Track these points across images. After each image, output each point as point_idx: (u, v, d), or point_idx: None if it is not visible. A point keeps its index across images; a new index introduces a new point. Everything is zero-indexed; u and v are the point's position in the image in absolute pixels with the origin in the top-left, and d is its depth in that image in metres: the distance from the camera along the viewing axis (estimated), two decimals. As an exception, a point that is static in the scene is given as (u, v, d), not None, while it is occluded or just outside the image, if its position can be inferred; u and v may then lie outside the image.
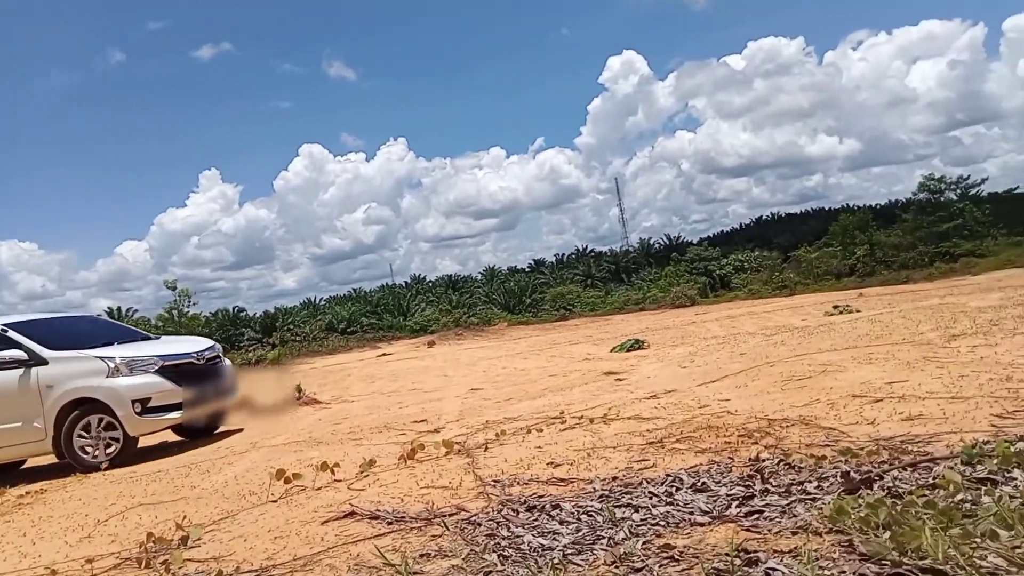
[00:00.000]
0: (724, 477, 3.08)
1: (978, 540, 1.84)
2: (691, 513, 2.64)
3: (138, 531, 3.70)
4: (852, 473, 2.75)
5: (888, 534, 1.99)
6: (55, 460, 6.98)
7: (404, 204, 78.64)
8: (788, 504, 2.58)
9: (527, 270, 54.92)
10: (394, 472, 4.24)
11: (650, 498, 2.88)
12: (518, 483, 3.57)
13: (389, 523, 3.10)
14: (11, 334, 7.03)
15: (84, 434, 6.79)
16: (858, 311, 13.10)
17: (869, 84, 72.05)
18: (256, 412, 8.02)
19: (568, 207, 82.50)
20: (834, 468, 2.93)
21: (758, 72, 72.76)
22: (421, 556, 2.58)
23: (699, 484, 3.00)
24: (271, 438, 6.55)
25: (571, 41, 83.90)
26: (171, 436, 7.76)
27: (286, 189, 72.58)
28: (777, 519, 2.45)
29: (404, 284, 52.49)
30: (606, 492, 3.09)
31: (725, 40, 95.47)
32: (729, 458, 3.50)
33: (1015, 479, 2.39)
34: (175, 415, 6.95)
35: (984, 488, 2.32)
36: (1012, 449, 2.59)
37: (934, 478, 2.53)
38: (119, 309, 41.98)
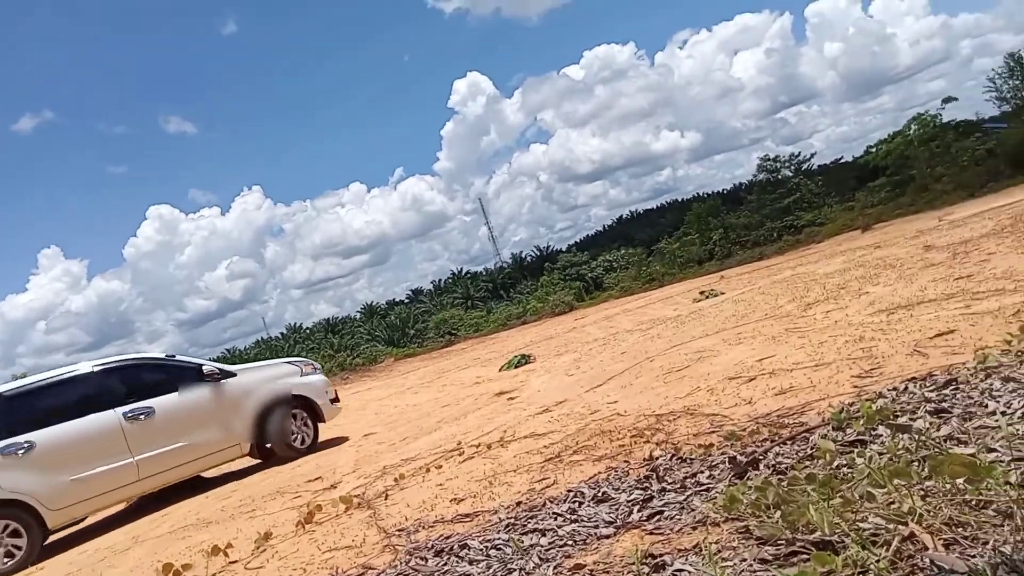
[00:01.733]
0: (622, 483, 3.12)
1: (857, 504, 1.94)
2: (596, 527, 2.65)
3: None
4: (738, 457, 2.86)
5: (779, 514, 2.07)
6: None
7: (268, 253, 76.25)
8: (685, 499, 2.65)
9: (406, 301, 54.48)
10: (293, 541, 4.03)
11: (555, 519, 2.87)
12: (423, 527, 3.48)
13: (293, 599, 2.93)
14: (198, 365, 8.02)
15: (274, 429, 7.92)
16: (722, 293, 13.82)
17: (699, 79, 77.11)
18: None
19: (437, 233, 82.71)
20: (722, 454, 3.04)
21: (597, 79, 76.16)
22: (331, 629, 2.45)
23: (600, 495, 3.03)
24: (154, 527, 6.08)
25: (415, 68, 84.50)
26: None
27: (138, 256, 68.72)
28: (677, 516, 2.51)
29: (280, 335, 50.69)
30: (512, 520, 3.07)
31: (562, 52, 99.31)
32: (625, 462, 3.56)
33: (881, 436, 2.56)
34: (339, 406, 8.83)
35: (856, 450, 2.47)
36: (874, 408, 2.78)
37: (811, 448, 2.67)
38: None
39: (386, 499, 4.37)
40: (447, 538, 3.12)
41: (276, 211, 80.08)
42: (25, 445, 6.55)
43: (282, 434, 7.97)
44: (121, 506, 7.73)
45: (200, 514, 5.97)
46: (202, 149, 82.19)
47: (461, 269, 55.90)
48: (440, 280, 56.42)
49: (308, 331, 50.68)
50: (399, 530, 3.54)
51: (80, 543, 6.47)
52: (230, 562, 3.92)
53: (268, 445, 8.15)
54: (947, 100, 36.90)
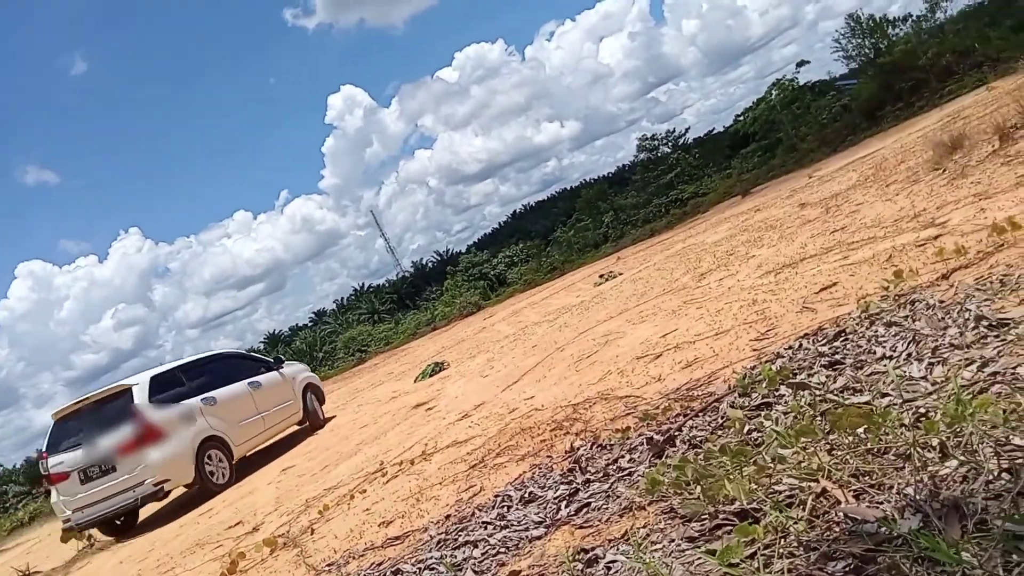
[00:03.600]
0: (547, 480, 3.13)
1: (770, 469, 2.01)
2: (526, 529, 2.65)
3: None
4: (655, 437, 2.91)
5: (699, 489, 2.12)
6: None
7: (156, 296, 72.89)
8: (610, 487, 2.67)
9: (310, 324, 53.14)
10: (218, 595, 3.84)
11: (485, 528, 2.85)
12: (353, 557, 3.38)
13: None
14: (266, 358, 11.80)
15: (310, 408, 11.42)
16: (620, 274, 14.15)
17: (570, 69, 78.81)
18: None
19: (332, 251, 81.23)
20: (639, 436, 3.09)
21: (471, 80, 76.60)
22: None
23: (527, 495, 3.02)
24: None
25: (285, 88, 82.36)
26: None
27: (12, 319, 64.25)
28: (604, 506, 2.53)
29: (181, 378, 48.35)
30: (443, 535, 3.02)
31: (433, 56, 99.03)
32: (548, 457, 3.57)
33: (783, 396, 2.67)
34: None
35: (763, 414, 2.56)
36: (774, 369, 2.89)
37: (722, 418, 2.75)
38: None
39: (312, 534, 4.23)
40: (379, 565, 3.04)
41: (159, 251, 76.64)
42: (213, 399, 9.38)
43: (314, 409, 11.56)
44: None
45: (114, 583, 5.61)
46: (68, 197, 77.57)
47: (363, 284, 55.03)
48: (343, 298, 55.36)
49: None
50: (328, 565, 3.43)
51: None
52: (152, 631, 3.69)
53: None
54: (800, 64, 39.34)
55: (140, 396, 8.75)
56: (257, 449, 10.20)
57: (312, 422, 11.34)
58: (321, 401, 12.04)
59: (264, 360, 11.49)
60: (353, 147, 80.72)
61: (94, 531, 8.13)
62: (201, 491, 8.66)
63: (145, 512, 9.12)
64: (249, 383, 10.22)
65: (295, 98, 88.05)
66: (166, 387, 9.22)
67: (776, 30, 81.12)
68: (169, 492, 8.53)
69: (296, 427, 11.32)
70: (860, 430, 1.94)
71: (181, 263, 77.16)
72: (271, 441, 10.63)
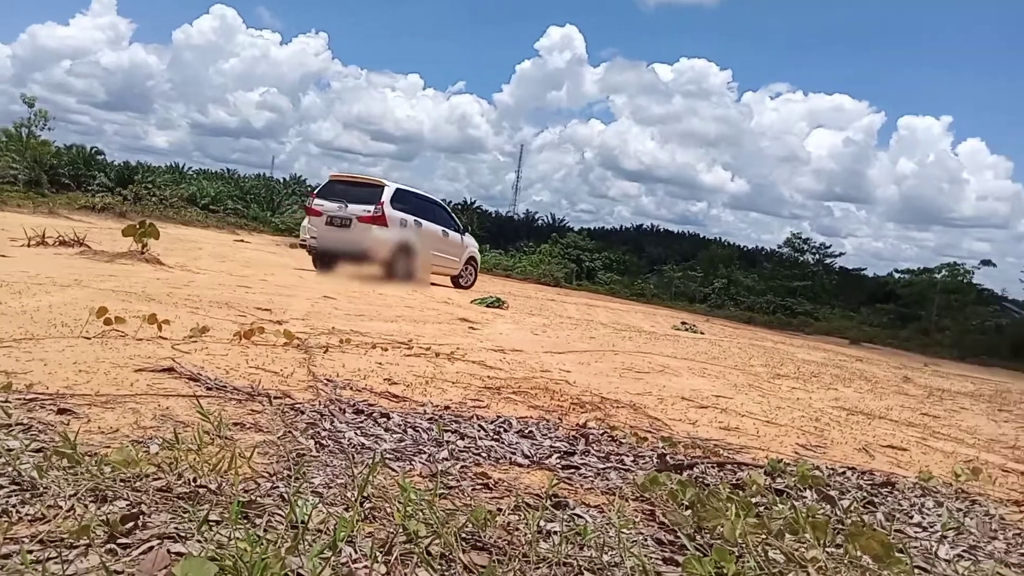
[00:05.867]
0: (551, 432, 3.15)
1: (767, 535, 1.97)
2: (514, 454, 2.68)
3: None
4: (668, 457, 2.89)
5: (690, 512, 2.10)
6: None
7: (305, 100, 75.47)
8: (604, 468, 2.67)
9: (411, 205, 53.95)
10: (225, 346, 4.05)
11: (478, 431, 2.90)
12: (351, 388, 3.50)
13: (209, 388, 2.94)
14: (459, 223, 15.83)
15: (464, 271, 15.66)
16: (702, 333, 13.88)
17: (773, 134, 76.32)
18: (94, 255, 7.59)
19: (468, 158, 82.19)
20: (652, 450, 3.07)
21: (681, 89, 75.22)
22: (235, 424, 2.47)
23: (526, 432, 3.06)
24: (100, 281, 6.08)
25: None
26: None
27: (185, 43, 67.62)
28: (592, 478, 2.54)
29: (282, 181, 50.21)
30: (437, 417, 3.09)
31: (661, 48, 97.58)
32: (559, 419, 3.59)
33: (806, 497, 2.60)
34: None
35: (780, 498, 2.50)
36: (809, 472, 2.80)
37: (738, 480, 2.70)
38: (-41, 108, 37.57)
39: (325, 352, 4.39)
40: (371, 404, 3.14)
41: (331, 65, 79.00)
42: (420, 224, 13.54)
43: (465, 275, 15.74)
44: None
45: (146, 289, 5.97)
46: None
47: (473, 201, 55.48)
48: (450, 202, 55.99)
49: (309, 188, 50.24)
50: (328, 380, 3.56)
51: (24, 267, 6.44)
52: (160, 336, 3.93)
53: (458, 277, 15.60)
54: (985, 263, 36.96)
55: (387, 194, 12.87)
56: (429, 272, 14.36)
57: (461, 284, 15.61)
58: (476, 271, 16.52)
59: (458, 223, 15.53)
60: (543, 82, 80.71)
61: (153, 249, 8.61)
62: (385, 275, 12.51)
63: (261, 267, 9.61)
64: (443, 230, 14.53)
65: (521, 10, 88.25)
66: (401, 198, 13.23)
67: (982, 220, 76.13)
68: (373, 262, 12.50)
69: (449, 281, 15.48)
70: (869, 558, 1.88)
71: (343, 86, 79.52)
72: (440, 272, 15.04)
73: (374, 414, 2.92)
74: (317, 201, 13.08)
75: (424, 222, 13.66)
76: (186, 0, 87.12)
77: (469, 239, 15.84)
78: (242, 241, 22.24)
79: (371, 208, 12.52)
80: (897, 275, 39.79)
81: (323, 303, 7.42)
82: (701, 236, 59.79)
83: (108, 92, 67.77)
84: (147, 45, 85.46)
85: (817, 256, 43.00)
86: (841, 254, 46.09)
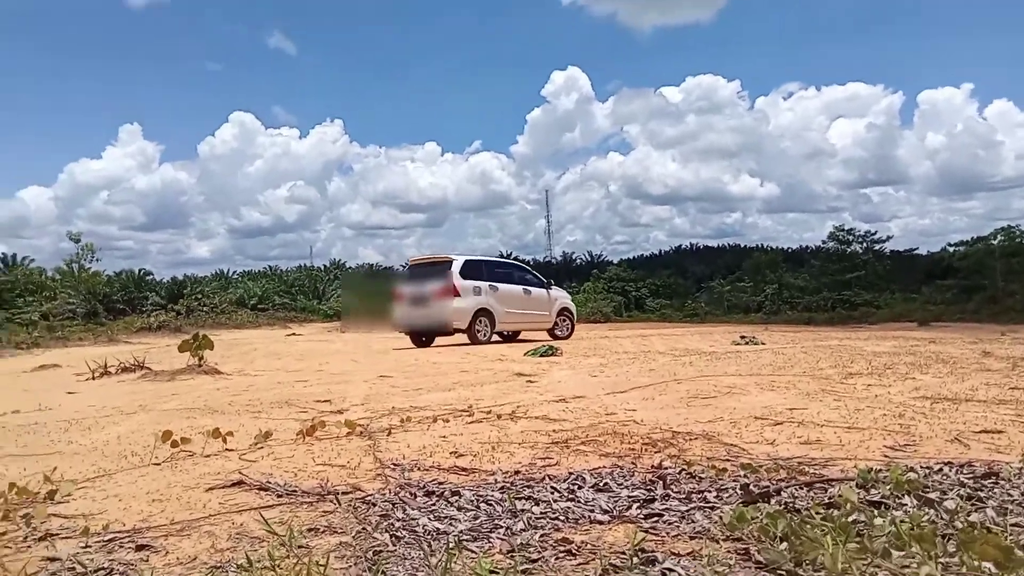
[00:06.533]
0: (626, 480, 3.06)
1: (871, 557, 1.86)
2: (592, 511, 2.60)
3: (0, 482, 3.40)
4: (751, 486, 2.77)
5: (785, 545, 2.00)
6: None
7: (332, 187, 77.47)
8: (688, 510, 2.58)
9: (450, 269, 54.46)
10: (291, 447, 4.07)
11: (551, 493, 2.83)
12: (419, 469, 3.47)
13: (279, 495, 2.94)
14: (543, 279, 16.79)
15: (559, 322, 16.53)
16: (763, 343, 13.54)
17: (793, 134, 75.60)
18: (155, 376, 7.80)
19: (496, 212, 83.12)
20: (734, 481, 2.96)
21: (693, 107, 75.24)
22: (309, 530, 2.45)
23: (601, 484, 2.97)
24: (163, 402, 6.21)
25: (515, 50, 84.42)
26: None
27: (210, 155, 70.30)
28: (676, 523, 2.44)
29: (323, 268, 51.33)
30: (508, 484, 3.03)
31: (665, 71, 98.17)
32: (632, 463, 3.50)
33: (905, 505, 2.46)
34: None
35: (877, 511, 2.37)
36: (904, 477, 2.66)
37: (830, 498, 2.57)
38: (13, 256, 39.56)
39: (388, 435, 4.38)
40: (440, 483, 3.10)
41: (351, 148, 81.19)
42: (496, 287, 14.81)
43: (560, 325, 16.44)
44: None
45: (208, 402, 6.07)
46: (296, 71, 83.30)
47: (510, 252, 55.80)
48: (517, 258, 56.35)
49: (350, 270, 51.28)
50: (395, 464, 3.53)
51: (91, 400, 6.63)
52: (226, 448, 3.96)
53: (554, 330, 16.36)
54: (1041, 219, 35.44)
55: (455, 267, 14.29)
56: (514, 330, 16.30)
57: (557, 334, 16.23)
58: (572, 322, 17.31)
59: (541, 279, 16.61)
60: (556, 126, 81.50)
61: (209, 359, 8.80)
62: (470, 340, 14.24)
63: (262, 363, 9.83)
64: (524, 288, 15.70)
65: (521, 61, 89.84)
66: (472, 268, 14.66)
67: (1027, 178, 73.76)
68: (454, 331, 14.28)
69: (546, 334, 16.21)
70: (988, 563, 1.75)
71: (364, 167, 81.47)
72: (527, 328, 16.32)
73: (445, 493, 2.87)
74: (401, 287, 14.89)
75: (501, 285, 15.04)
76: (206, 113, 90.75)
77: (558, 292, 17.04)
78: (294, 334, 22.67)
79: (443, 283, 14.03)
80: (951, 248, 38.46)
81: (379, 384, 7.46)
82: (742, 246, 59.09)
83: (146, 214, 70.66)
84: (175, 163, 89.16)
85: (865, 244, 41.90)
86: (889, 238, 44.81)
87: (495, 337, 15.86)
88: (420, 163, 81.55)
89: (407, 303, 14.46)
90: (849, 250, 41.65)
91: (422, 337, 14.78)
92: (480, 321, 14.36)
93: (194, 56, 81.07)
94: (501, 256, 47.71)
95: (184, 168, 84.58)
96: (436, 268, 14.54)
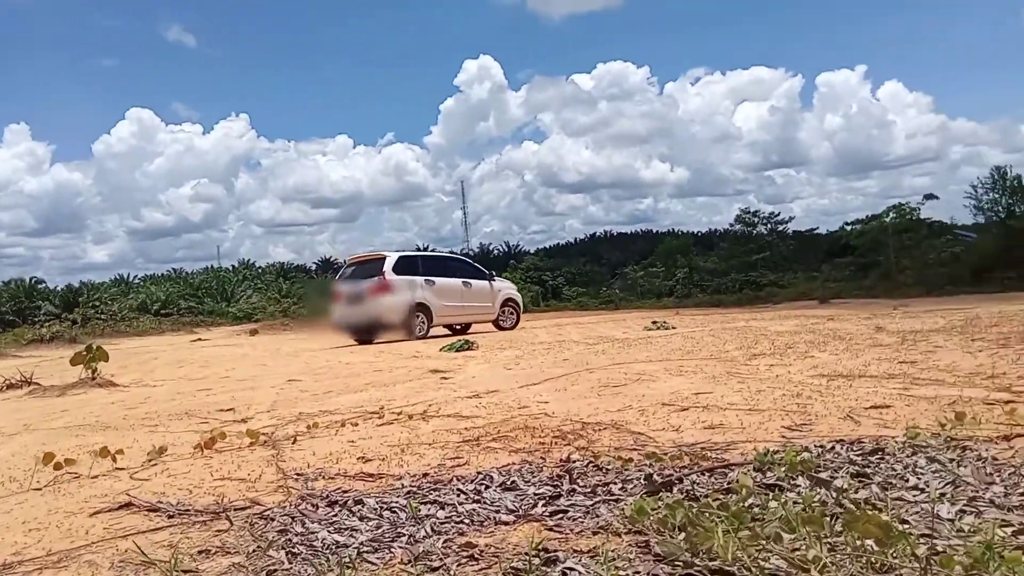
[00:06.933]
0: (534, 476, 3.05)
1: (764, 542, 1.89)
2: (497, 511, 2.57)
3: None
4: (655, 476, 2.81)
5: (683, 535, 2.02)
6: None
7: (239, 184, 74.96)
8: (592, 504, 2.58)
9: (364, 264, 53.58)
10: (187, 462, 3.88)
11: (458, 495, 2.79)
12: (323, 477, 3.36)
13: (170, 516, 2.78)
14: (485, 271, 16.79)
15: (504, 313, 16.64)
16: (674, 328, 13.89)
17: (701, 119, 77.89)
18: (44, 392, 7.33)
19: (412, 205, 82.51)
20: (639, 471, 2.99)
21: (604, 94, 76.38)
22: (200, 552, 2.32)
23: (509, 483, 2.95)
24: (51, 420, 5.83)
25: (425, 40, 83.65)
26: None
27: (106, 154, 66.88)
28: (580, 519, 2.44)
29: (231, 268, 49.58)
30: (414, 488, 2.97)
31: (576, 58, 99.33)
32: (541, 458, 3.49)
33: (799, 486, 2.53)
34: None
35: (772, 493, 2.43)
36: (798, 458, 2.75)
37: (729, 483, 2.63)
38: None
39: (293, 443, 4.24)
40: (344, 492, 3.01)
41: (258, 144, 78.79)
42: (433, 281, 14.85)
43: (505, 316, 16.56)
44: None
45: (100, 418, 5.74)
46: (196, 64, 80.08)
47: (427, 245, 55.33)
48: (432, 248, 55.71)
49: (260, 270, 49.74)
50: (298, 474, 3.42)
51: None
52: (116, 468, 3.74)
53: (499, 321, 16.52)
54: (928, 197, 37.83)
55: (388, 264, 14.33)
56: (454, 323, 16.12)
57: (502, 325, 16.55)
58: (519, 312, 17.45)
59: (483, 271, 16.72)
60: (469, 116, 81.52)
61: (105, 371, 8.34)
62: (406, 335, 14.10)
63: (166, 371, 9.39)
64: (463, 281, 15.73)
65: (433, 50, 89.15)
66: (407, 263, 14.81)
67: (916, 157, 78.36)
68: (389, 328, 14.24)
69: (492, 326, 16.48)
70: (870, 541, 1.81)
71: (273, 162, 79.12)
72: (469, 320, 16.45)
73: (348, 502, 2.79)
74: (338, 286, 15.21)
75: (439, 279, 15.16)
76: (101, 111, 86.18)
77: (502, 283, 17.34)
78: (200, 340, 21.85)
79: (376, 280, 14.22)
80: (848, 227, 40.41)
81: (287, 388, 7.24)
82: (654, 231, 60.63)
83: (37, 218, 66.76)
84: (69, 163, 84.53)
85: (769, 226, 43.67)
86: (791, 219, 46.86)
87: (444, 331, 15.92)
88: (332, 156, 79.96)
89: (344, 302, 14.66)
90: (755, 232, 43.31)
91: (364, 335, 14.69)
92: (416, 316, 14.47)
93: (86, 51, 77.05)
94: (420, 249, 47.36)
95: (79, 169, 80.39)
96: (371, 266, 14.74)
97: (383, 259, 14.66)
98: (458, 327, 16.42)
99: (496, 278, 17.00)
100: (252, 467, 3.67)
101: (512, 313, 17.06)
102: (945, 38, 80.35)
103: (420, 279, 14.78)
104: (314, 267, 52.54)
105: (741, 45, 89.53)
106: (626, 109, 78.23)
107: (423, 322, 14.64)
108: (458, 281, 15.68)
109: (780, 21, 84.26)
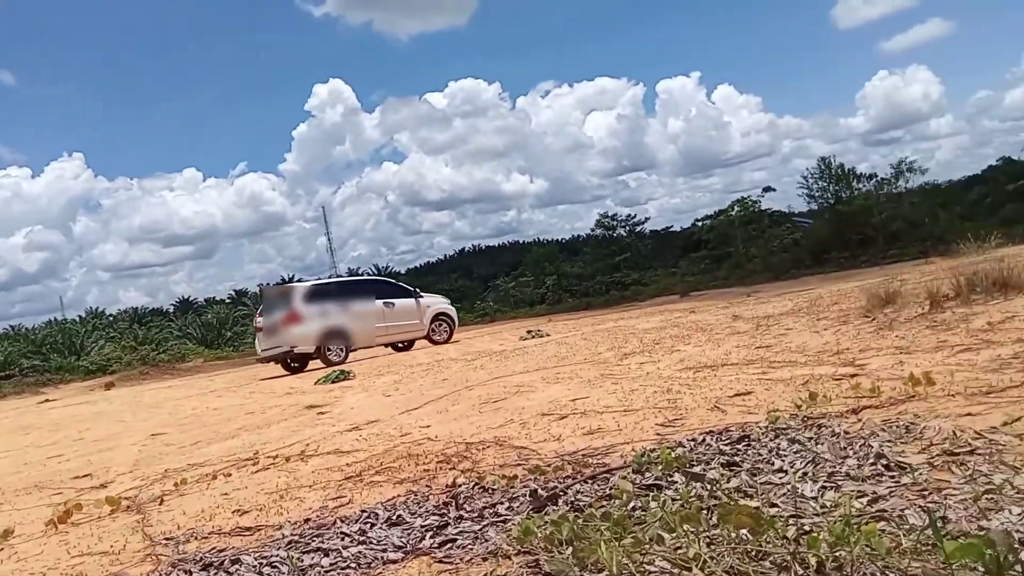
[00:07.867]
0: (420, 507, 3.00)
1: (647, 546, 1.94)
2: (384, 551, 2.50)
3: None
4: (539, 491, 2.83)
5: (570, 550, 2.04)
6: None
7: (78, 228, 69.81)
8: (481, 529, 2.56)
9: (228, 301, 51.31)
10: (39, 541, 3.53)
11: (342, 539, 2.69)
12: (196, 538, 3.16)
13: (20, 608, 2.52)
14: (410, 289, 17.17)
15: (436, 328, 16.83)
16: (548, 335, 14.16)
17: (554, 130, 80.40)
18: None
19: (272, 235, 79.79)
20: (524, 487, 3.00)
21: (458, 112, 77.30)
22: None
23: (394, 517, 2.88)
24: None
25: (275, 66, 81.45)
26: None
27: (-79, 207, 60.37)
28: (470, 546, 2.42)
29: (78, 319, 45.90)
30: (296, 537, 2.84)
31: (427, 78, 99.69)
32: (427, 486, 3.44)
33: (676, 483, 2.62)
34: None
35: (652, 494, 2.51)
36: (673, 455, 2.85)
37: (610, 488, 2.69)
38: None
39: (160, 504, 3.96)
40: (220, 551, 2.83)
41: (96, 184, 73.72)
42: (349, 306, 15.05)
43: (437, 330, 16.75)
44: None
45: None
46: (18, 103, 73.86)
47: (292, 276, 53.51)
48: (268, 283, 53.70)
49: (111, 318, 46.39)
50: (167, 539, 3.19)
51: None
52: (-48, 564, 3.35)
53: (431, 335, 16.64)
54: (766, 190, 41.06)
55: (297, 294, 14.84)
56: (377, 344, 16.27)
57: (435, 339, 16.72)
58: (452, 326, 17.52)
59: (408, 289, 16.95)
60: (324, 140, 79.91)
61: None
62: (323, 362, 14.31)
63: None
64: (385, 302, 15.83)
65: (280, 77, 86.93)
66: (319, 292, 15.29)
67: (752, 153, 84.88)
68: (304, 356, 14.84)
69: (424, 339, 16.73)
70: (744, 530, 1.90)
71: (115, 202, 74.22)
72: (396, 339, 16.61)
73: (224, 562, 2.63)
74: (259, 319, 15.99)
75: (356, 303, 15.46)
76: (-97, 160, 77.59)
77: (432, 299, 17.52)
78: (48, 400, 20.06)
79: (286, 311, 14.59)
80: (699, 223, 42.89)
81: (151, 444, 6.78)
82: (521, 242, 61.74)
83: None
84: None
85: (627, 227, 45.57)
86: (647, 219, 49.22)
87: (385, 350, 16.70)
88: (180, 191, 75.94)
89: (263, 334, 15.32)
90: (615, 235, 45.07)
91: (292, 364, 15.13)
92: (332, 342, 14.75)
93: None
94: (286, 280, 45.72)
95: None
96: (283, 297, 15.34)
97: (293, 290, 15.29)
98: (402, 345, 16.94)
99: (424, 295, 17.26)
100: (115, 537, 3.38)
101: (443, 327, 17.17)
102: (768, 43, 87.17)
103: (334, 305, 15.10)
104: (172, 308, 49.64)
105: (585, 58, 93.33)
106: (481, 125, 79.51)
107: (341, 347, 14.85)
108: (378, 303, 15.79)
109: (618, 32, 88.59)
